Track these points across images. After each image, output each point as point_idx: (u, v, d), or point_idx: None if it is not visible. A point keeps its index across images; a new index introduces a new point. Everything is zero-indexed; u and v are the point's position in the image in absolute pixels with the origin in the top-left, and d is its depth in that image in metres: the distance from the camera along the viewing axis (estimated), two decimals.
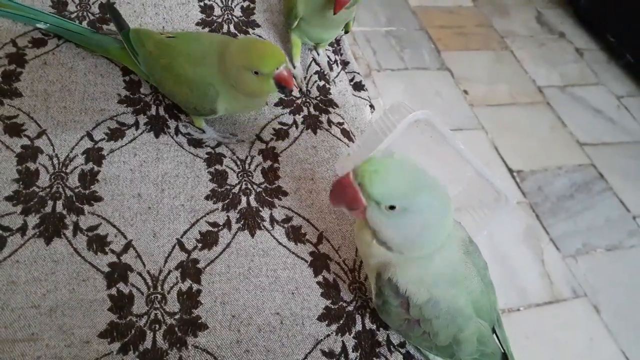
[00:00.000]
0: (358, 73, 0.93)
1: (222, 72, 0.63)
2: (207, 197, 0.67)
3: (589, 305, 1.28)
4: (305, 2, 0.77)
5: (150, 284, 0.58)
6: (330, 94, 0.84)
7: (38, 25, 0.76)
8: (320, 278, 0.63)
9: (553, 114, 1.82)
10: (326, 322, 0.60)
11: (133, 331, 0.55)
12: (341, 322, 0.60)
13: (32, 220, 0.60)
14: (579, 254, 1.45)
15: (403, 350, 0.60)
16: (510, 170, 1.60)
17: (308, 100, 0.81)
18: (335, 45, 0.94)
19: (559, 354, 1.22)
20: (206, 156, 0.71)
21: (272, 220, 0.67)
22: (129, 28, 0.71)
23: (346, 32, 0.90)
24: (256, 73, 0.60)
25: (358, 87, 0.90)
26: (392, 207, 0.47)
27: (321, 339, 0.59)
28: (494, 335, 0.57)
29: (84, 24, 0.80)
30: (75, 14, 0.81)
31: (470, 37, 1.98)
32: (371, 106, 0.90)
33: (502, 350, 0.57)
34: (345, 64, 0.93)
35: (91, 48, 0.76)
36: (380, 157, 0.49)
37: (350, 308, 0.61)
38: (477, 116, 1.75)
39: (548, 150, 1.73)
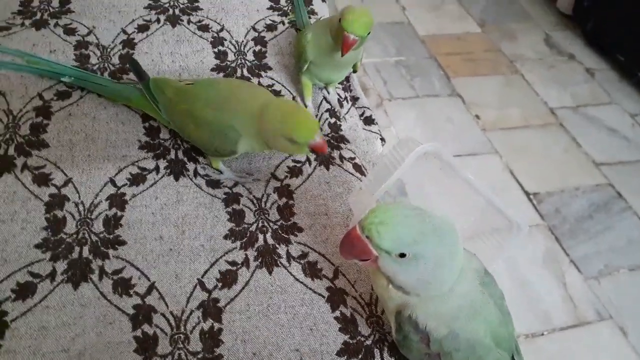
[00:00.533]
0: (368, 108, 0.95)
1: (248, 119, 0.67)
2: (225, 237, 0.69)
3: (614, 328, 1.26)
4: (313, 47, 0.80)
5: (173, 324, 0.60)
6: (341, 130, 0.86)
7: (63, 79, 0.80)
8: (337, 313, 0.64)
9: (567, 135, 1.82)
10: (345, 357, 0.61)
11: None
12: (360, 356, 0.61)
13: (61, 266, 0.62)
14: (601, 276, 1.43)
15: None
16: (527, 193, 1.59)
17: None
18: (345, 82, 0.97)
19: None
20: (224, 196, 0.73)
21: (289, 256, 0.68)
22: (149, 78, 0.75)
23: (354, 71, 0.93)
24: (291, 140, 0.64)
25: (368, 121, 0.92)
26: (402, 255, 0.48)
27: None
28: None
29: (105, 74, 0.85)
30: (97, 65, 0.86)
31: (479, 63, 2.00)
32: (382, 139, 0.92)
33: None
34: (355, 99, 0.95)
35: (113, 98, 0.81)
36: (383, 206, 0.51)
37: (368, 342, 0.62)
38: (490, 140, 1.76)
39: (564, 172, 1.72)
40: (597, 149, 1.77)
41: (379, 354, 0.62)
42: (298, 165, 0.79)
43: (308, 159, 0.80)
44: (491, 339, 0.54)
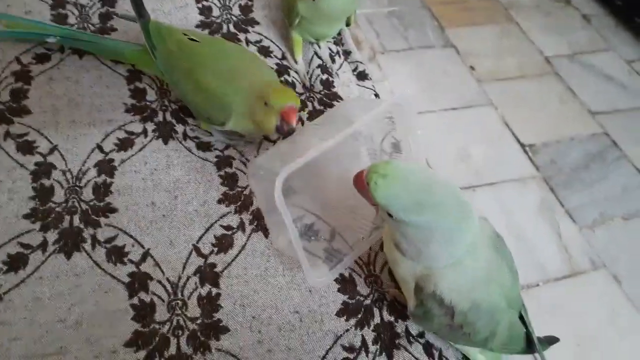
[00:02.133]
0: (361, 62, 0.92)
1: (244, 99, 0.64)
2: (219, 201, 0.68)
3: (608, 276, 1.28)
4: (305, 1, 0.76)
5: (170, 291, 0.60)
6: (334, 86, 0.83)
7: (48, 40, 0.76)
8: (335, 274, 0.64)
9: (563, 85, 1.79)
10: (344, 317, 0.61)
11: (157, 338, 0.56)
12: (359, 316, 0.61)
13: (52, 236, 0.61)
14: (595, 225, 1.44)
15: (422, 340, 0.61)
16: (522, 145, 1.58)
17: (312, 95, 0.82)
18: (337, 36, 0.93)
19: (581, 327, 1.22)
20: (215, 159, 0.72)
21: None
22: (150, 18, 0.71)
23: (348, 24, 0.89)
24: (266, 104, 0.61)
25: (362, 76, 0.90)
26: (390, 215, 0.47)
27: (341, 334, 0.60)
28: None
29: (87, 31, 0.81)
30: (76, 25, 0.82)
31: (474, 12, 1.95)
32: (376, 95, 0.90)
33: (524, 330, 0.58)
34: (347, 53, 0.92)
35: (104, 54, 0.77)
36: (395, 161, 0.49)
37: (367, 302, 0.62)
38: (486, 92, 1.73)
39: (559, 122, 1.71)
40: (593, 98, 1.75)
41: (378, 312, 0.62)
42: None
43: (300, 119, 0.78)
44: (505, 301, 0.54)
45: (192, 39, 0.68)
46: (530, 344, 0.57)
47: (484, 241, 0.53)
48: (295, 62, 0.83)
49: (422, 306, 0.53)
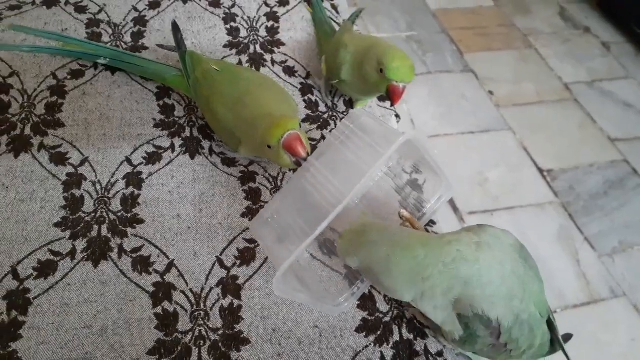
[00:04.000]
0: None
1: (244, 127, 0.66)
2: (243, 215, 0.69)
3: (628, 305, 1.26)
4: (351, 69, 0.74)
5: (193, 301, 0.61)
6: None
7: (99, 61, 0.81)
8: (355, 290, 0.64)
9: (582, 111, 1.79)
10: (364, 333, 0.61)
11: (179, 348, 0.57)
12: (379, 333, 0.62)
13: (80, 244, 0.63)
14: (615, 253, 1.43)
15: (441, 359, 0.61)
16: (541, 170, 1.58)
17: (334, 114, 0.83)
18: None
19: (600, 356, 1.20)
20: (240, 175, 0.73)
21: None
22: (187, 49, 0.74)
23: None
24: (269, 147, 0.60)
25: (382, 98, 0.91)
26: None
27: (360, 350, 0.60)
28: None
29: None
30: (110, 44, 0.85)
31: (492, 37, 1.97)
32: (397, 116, 0.91)
33: (550, 336, 0.57)
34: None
35: (147, 76, 0.81)
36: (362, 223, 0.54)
37: (387, 319, 0.63)
38: (504, 117, 1.74)
39: (578, 148, 1.71)
40: (612, 125, 1.75)
41: (397, 330, 0.62)
42: (312, 143, 0.79)
43: (323, 137, 0.79)
44: (538, 311, 0.53)
45: (215, 69, 0.72)
46: (551, 346, 0.57)
47: (506, 249, 0.53)
48: (327, 96, 0.85)
49: (466, 330, 0.51)
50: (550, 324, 0.56)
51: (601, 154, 1.69)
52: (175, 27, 0.76)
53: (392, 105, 0.72)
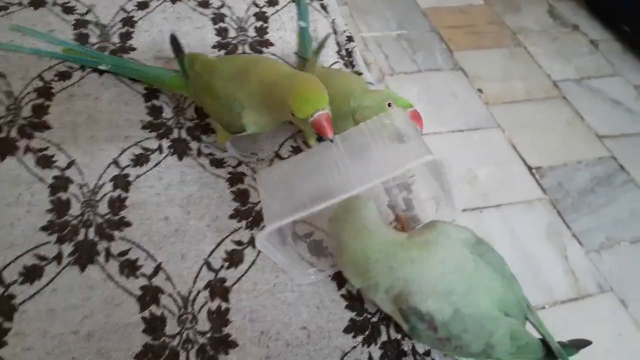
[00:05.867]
0: (371, 83, 0.94)
1: (255, 92, 0.63)
2: (231, 216, 0.69)
3: (615, 300, 1.27)
4: None
5: (180, 304, 0.61)
6: None
7: (100, 67, 0.80)
8: (344, 291, 0.65)
9: (570, 108, 1.80)
10: (352, 334, 0.62)
11: (167, 352, 0.57)
12: (367, 333, 0.62)
13: (67, 248, 0.63)
14: (603, 249, 1.44)
15: (429, 359, 0.61)
16: (529, 167, 1.59)
17: None
18: (347, 58, 0.95)
19: (587, 351, 1.20)
20: (228, 176, 0.73)
21: (295, 235, 0.69)
22: (184, 53, 0.74)
23: None
24: (293, 115, 0.58)
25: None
26: None
27: (348, 351, 0.60)
28: (529, 323, 0.57)
29: (106, 53, 0.84)
30: (97, 45, 0.85)
31: (482, 36, 1.98)
32: None
33: (541, 337, 0.56)
34: (358, 75, 0.94)
35: (147, 81, 0.81)
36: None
37: (374, 319, 0.63)
38: (493, 115, 1.74)
39: (567, 145, 1.72)
40: (600, 122, 1.76)
41: (385, 330, 0.63)
42: (302, 145, 0.79)
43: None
44: (497, 308, 0.53)
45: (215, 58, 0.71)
46: (551, 351, 0.55)
47: (455, 243, 0.54)
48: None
49: (408, 322, 0.53)
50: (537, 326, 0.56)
51: (589, 151, 1.71)
52: (173, 38, 0.74)
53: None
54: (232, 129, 0.69)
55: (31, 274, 0.60)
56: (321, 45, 0.87)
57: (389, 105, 0.64)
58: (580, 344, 0.58)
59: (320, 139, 0.58)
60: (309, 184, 0.55)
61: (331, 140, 0.57)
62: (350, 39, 0.96)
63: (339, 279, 0.66)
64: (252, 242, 0.67)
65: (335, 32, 0.97)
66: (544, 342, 0.56)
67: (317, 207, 0.51)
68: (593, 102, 1.74)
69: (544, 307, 1.22)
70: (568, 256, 1.32)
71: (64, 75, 0.79)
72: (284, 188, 0.57)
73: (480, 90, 1.72)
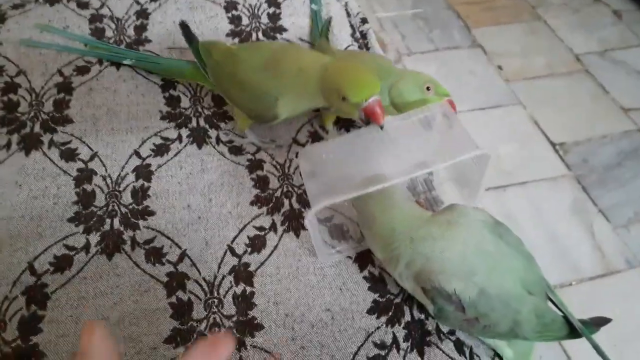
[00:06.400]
0: None
1: (284, 80, 0.64)
2: (252, 203, 0.70)
3: None
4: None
5: (206, 289, 0.62)
6: None
7: (125, 62, 0.82)
8: (366, 273, 0.65)
9: (594, 82, 1.76)
10: (375, 314, 0.62)
11: (195, 335, 0.59)
12: (390, 313, 0.62)
13: (94, 238, 0.64)
14: (631, 224, 1.41)
15: (453, 338, 0.61)
16: (553, 144, 1.56)
17: None
18: (362, 40, 0.95)
19: (616, 327, 1.19)
20: (247, 163, 0.74)
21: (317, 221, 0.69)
22: (198, 41, 0.74)
23: None
24: (344, 99, 0.58)
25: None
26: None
27: (372, 331, 0.61)
28: (551, 302, 0.57)
29: (122, 47, 0.85)
30: (113, 38, 0.86)
31: (500, 11, 1.94)
32: None
33: (562, 314, 0.56)
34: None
35: (166, 74, 0.82)
36: None
37: (397, 300, 0.63)
38: (514, 91, 1.71)
39: (591, 120, 1.68)
40: (625, 94, 1.72)
41: (408, 311, 0.63)
42: (320, 130, 0.79)
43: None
44: (522, 287, 0.53)
45: (234, 46, 0.71)
46: (573, 329, 0.55)
47: (473, 225, 0.55)
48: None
49: (435, 304, 0.53)
50: (557, 305, 0.56)
51: (614, 125, 1.67)
52: (184, 25, 0.76)
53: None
54: (261, 119, 0.69)
55: (61, 264, 0.62)
56: (324, 28, 0.87)
57: (428, 89, 0.64)
58: (601, 322, 0.57)
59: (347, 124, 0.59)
60: (358, 166, 0.59)
61: (381, 127, 0.59)
62: (364, 20, 0.96)
63: (361, 261, 0.66)
64: (273, 227, 0.68)
65: (348, 15, 0.97)
66: (566, 320, 0.56)
67: (370, 188, 0.54)
68: (617, 74, 1.69)
69: (570, 284, 1.21)
70: (595, 232, 1.30)
71: (82, 70, 0.81)
72: (333, 167, 0.60)
73: (500, 67, 1.69)
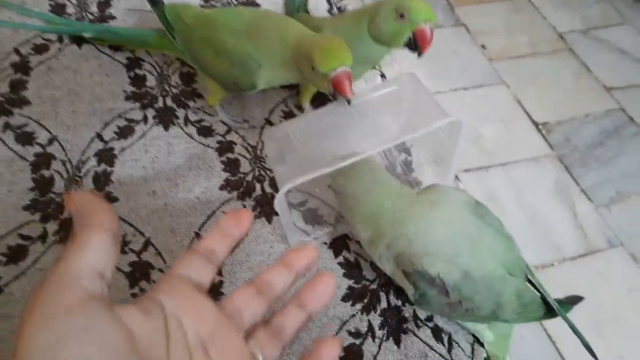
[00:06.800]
0: None
1: (275, 48, 0.60)
2: (221, 187, 0.66)
3: (625, 255, 1.25)
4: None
5: None
6: None
7: (85, 34, 0.76)
8: (340, 259, 0.62)
9: (577, 61, 1.75)
10: (350, 302, 0.60)
11: None
12: (365, 300, 0.60)
13: (52, 227, 0.61)
14: (612, 203, 1.41)
15: (431, 324, 0.59)
16: (536, 124, 1.55)
17: None
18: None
19: (597, 307, 1.19)
20: (217, 145, 0.70)
21: (289, 205, 0.66)
22: (164, 4, 0.69)
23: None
24: (313, 68, 0.55)
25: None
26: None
27: (347, 320, 0.58)
28: (529, 283, 0.56)
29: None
30: (75, 15, 0.81)
31: None
32: (382, 75, 0.88)
33: (539, 294, 0.55)
34: None
35: (132, 45, 0.77)
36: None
37: (373, 286, 0.61)
38: (497, 71, 1.69)
39: (574, 99, 1.67)
40: (608, 73, 1.70)
41: (385, 297, 0.61)
42: (295, 110, 0.76)
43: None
44: (503, 268, 0.52)
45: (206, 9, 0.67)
46: (550, 309, 0.55)
47: (456, 205, 0.53)
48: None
49: (417, 289, 0.51)
50: (535, 286, 0.55)
51: (597, 104, 1.66)
52: None
53: (420, 54, 0.60)
54: (237, 87, 0.65)
55: (15, 255, 0.58)
56: (302, 3, 0.84)
57: (402, 16, 0.58)
58: (575, 300, 0.58)
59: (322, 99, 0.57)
60: (328, 143, 0.57)
61: (348, 102, 0.56)
62: None
63: (336, 247, 0.63)
64: None
65: None
66: (543, 300, 0.55)
67: (344, 162, 0.52)
68: (600, 53, 1.68)
69: (552, 265, 1.20)
70: (577, 212, 1.29)
71: (41, 49, 0.76)
72: (301, 146, 0.57)
73: (483, 46, 1.66)
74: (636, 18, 1.87)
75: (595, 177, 1.49)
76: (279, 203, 0.54)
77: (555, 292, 0.57)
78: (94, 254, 0.27)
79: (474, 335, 0.61)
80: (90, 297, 0.25)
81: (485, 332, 0.60)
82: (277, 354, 0.33)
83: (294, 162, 0.56)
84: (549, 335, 1.04)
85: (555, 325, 1.03)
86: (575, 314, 0.59)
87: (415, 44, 0.58)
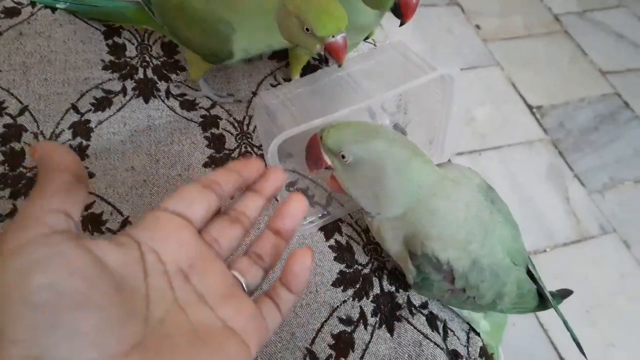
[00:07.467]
0: None
1: (242, 8, 0.55)
2: (205, 165, 0.62)
3: (618, 241, 1.24)
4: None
5: None
6: None
7: (58, 6, 0.72)
8: (332, 242, 0.59)
9: (572, 43, 1.71)
10: (341, 287, 0.56)
11: None
12: (357, 286, 0.57)
13: (22, 203, 0.56)
14: (605, 189, 1.39)
15: (425, 311, 0.56)
16: (530, 107, 1.52)
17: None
18: None
19: (590, 293, 1.17)
20: (201, 119, 0.66)
21: None
22: None
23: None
24: (307, 30, 0.51)
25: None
26: (343, 157, 0.46)
27: (337, 306, 0.55)
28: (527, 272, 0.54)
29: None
30: None
31: None
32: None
33: (536, 285, 0.53)
34: None
35: (108, 18, 0.72)
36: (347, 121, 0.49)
37: (366, 271, 0.58)
38: (492, 52, 1.66)
39: (569, 83, 1.64)
40: (604, 57, 1.67)
41: (378, 282, 0.57)
42: (283, 81, 0.71)
43: None
44: (508, 257, 0.49)
45: None
46: (542, 300, 0.53)
47: (470, 188, 0.49)
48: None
49: (420, 273, 0.48)
50: (533, 277, 0.52)
51: (592, 88, 1.63)
52: None
53: (402, 22, 0.57)
54: (215, 58, 0.60)
55: None
56: None
57: None
58: (565, 294, 0.57)
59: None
60: (320, 101, 0.55)
61: (339, 66, 0.53)
62: None
63: (326, 230, 0.60)
64: None
65: None
66: (537, 291, 0.53)
67: (340, 113, 0.49)
68: (596, 36, 1.65)
69: (545, 250, 1.18)
70: (570, 197, 1.27)
71: (11, 12, 0.70)
72: (292, 104, 0.55)
73: (477, 27, 1.62)
74: (633, 0, 1.83)
75: (589, 162, 1.47)
76: (272, 157, 0.49)
77: (547, 278, 0.55)
78: (56, 195, 0.26)
79: (469, 324, 0.58)
80: (54, 232, 0.25)
81: (481, 321, 0.57)
82: (259, 278, 0.34)
83: (287, 117, 0.53)
84: (540, 324, 1.02)
85: (547, 313, 1.02)
86: (567, 300, 0.57)
87: (399, 11, 0.55)
